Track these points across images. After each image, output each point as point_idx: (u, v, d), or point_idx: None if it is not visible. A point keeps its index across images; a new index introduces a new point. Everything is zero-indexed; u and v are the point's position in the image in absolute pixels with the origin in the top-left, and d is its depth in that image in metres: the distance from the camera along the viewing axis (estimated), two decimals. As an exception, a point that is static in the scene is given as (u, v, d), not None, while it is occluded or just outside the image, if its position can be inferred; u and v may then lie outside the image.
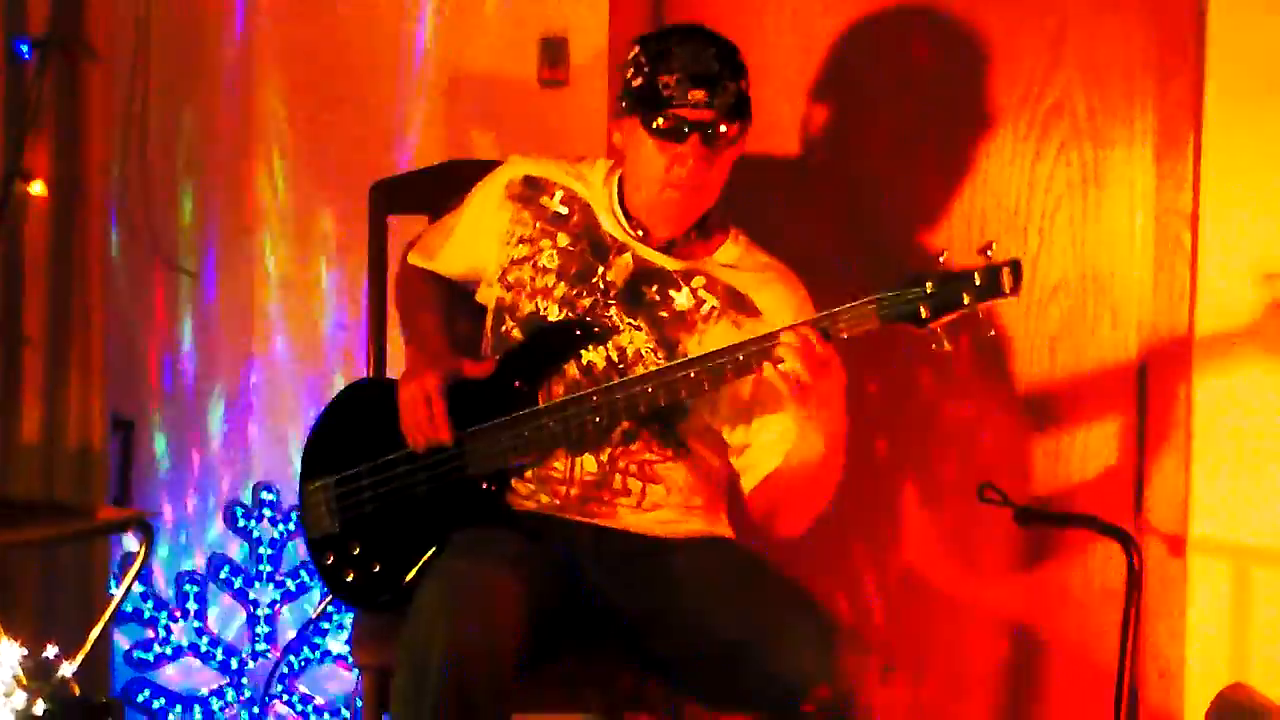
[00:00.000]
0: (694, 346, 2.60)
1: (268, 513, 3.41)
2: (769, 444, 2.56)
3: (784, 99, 3.27)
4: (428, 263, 2.84)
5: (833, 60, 3.25)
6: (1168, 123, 3.11)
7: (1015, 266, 2.29)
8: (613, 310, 2.63)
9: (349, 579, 2.70)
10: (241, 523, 3.41)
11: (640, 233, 2.65)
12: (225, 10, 3.53)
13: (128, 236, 3.51)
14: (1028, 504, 2.91)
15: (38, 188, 3.21)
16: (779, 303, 2.63)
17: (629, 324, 2.62)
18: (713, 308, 2.63)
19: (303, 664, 3.41)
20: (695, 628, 2.48)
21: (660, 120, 2.53)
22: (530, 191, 2.72)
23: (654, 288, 2.64)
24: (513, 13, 3.40)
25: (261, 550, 3.41)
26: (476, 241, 2.76)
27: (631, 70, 2.57)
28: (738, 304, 2.63)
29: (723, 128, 2.53)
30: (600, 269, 2.65)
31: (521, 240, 2.69)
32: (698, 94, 2.51)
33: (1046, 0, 3.18)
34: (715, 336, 2.60)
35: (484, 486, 2.62)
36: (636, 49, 2.58)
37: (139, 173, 3.49)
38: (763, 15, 3.29)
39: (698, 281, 2.64)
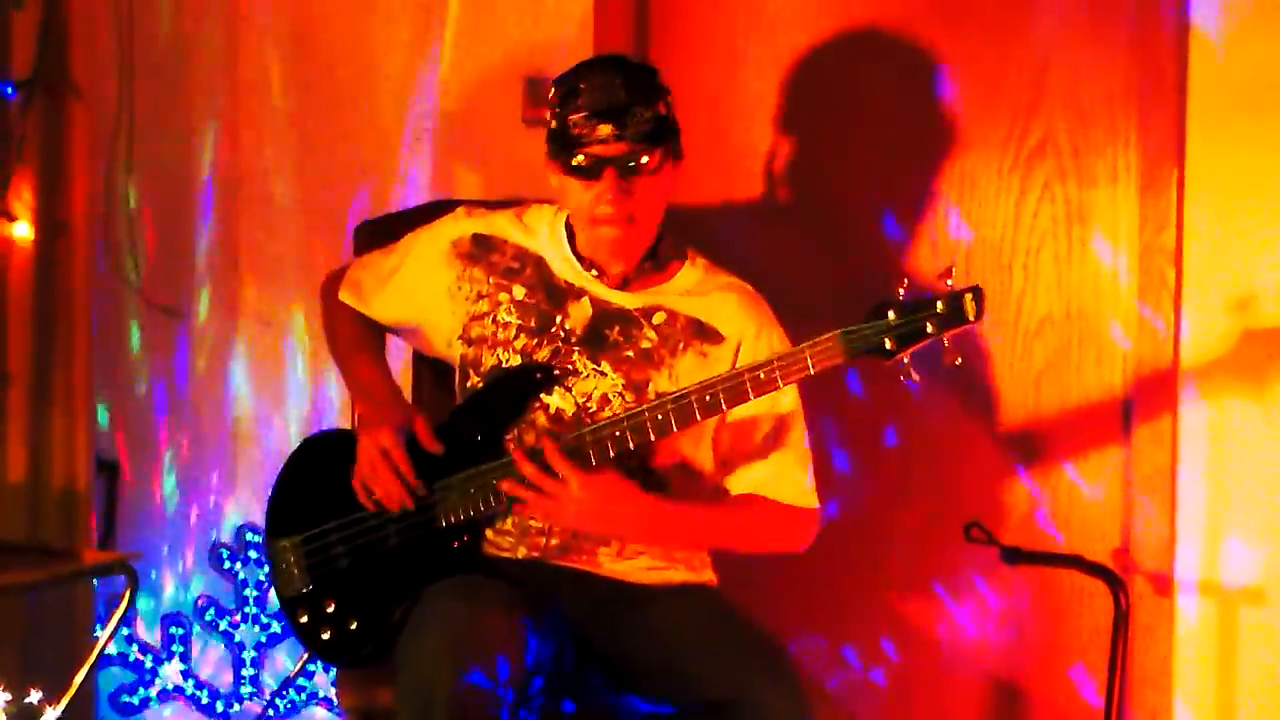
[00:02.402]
0: (665, 383, 2.58)
1: (253, 554, 3.40)
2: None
3: (765, 133, 3.28)
4: (359, 304, 2.78)
5: (816, 96, 3.26)
6: (1150, 159, 3.11)
7: (977, 293, 2.30)
8: (575, 356, 2.60)
9: (325, 636, 2.64)
10: (226, 565, 3.40)
11: (594, 272, 2.63)
12: (209, 48, 3.53)
13: (111, 275, 3.51)
14: (1013, 543, 2.89)
15: (22, 229, 3.20)
16: (741, 322, 2.63)
17: (594, 370, 2.60)
18: (677, 341, 2.61)
19: (289, 706, 3.39)
20: (669, 684, 2.47)
21: (575, 159, 2.51)
22: (480, 250, 2.69)
23: (615, 329, 2.61)
24: (498, 53, 3.40)
25: (247, 592, 3.40)
26: (415, 294, 2.72)
27: (548, 113, 2.56)
28: (701, 333, 2.62)
29: (643, 159, 2.50)
30: (558, 317, 2.62)
31: (480, 296, 2.66)
32: (605, 129, 2.48)
33: (1029, 38, 3.18)
34: (684, 369, 2.59)
35: (455, 545, 2.59)
36: (551, 90, 2.57)
37: (122, 211, 3.49)
38: (746, 52, 3.29)
39: (658, 317, 2.62)
